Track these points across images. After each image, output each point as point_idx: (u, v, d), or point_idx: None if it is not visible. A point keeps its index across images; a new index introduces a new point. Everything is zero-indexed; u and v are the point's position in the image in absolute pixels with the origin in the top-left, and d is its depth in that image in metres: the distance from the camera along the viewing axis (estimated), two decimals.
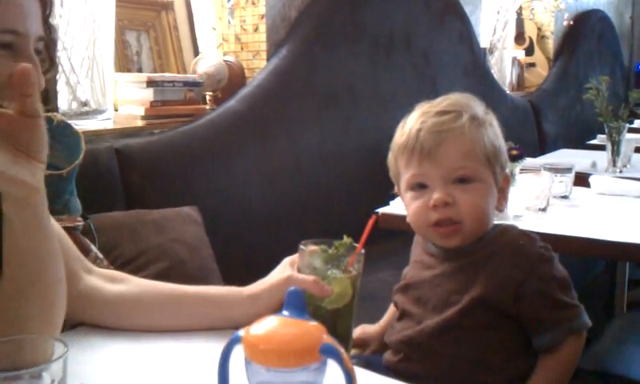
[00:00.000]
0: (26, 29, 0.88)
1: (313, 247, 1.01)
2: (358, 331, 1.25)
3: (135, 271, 1.51)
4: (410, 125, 1.13)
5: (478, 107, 1.14)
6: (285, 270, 1.04)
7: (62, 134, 1.47)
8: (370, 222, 1.04)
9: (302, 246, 1.02)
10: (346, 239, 1.01)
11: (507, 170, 1.17)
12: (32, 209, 0.82)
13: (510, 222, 1.83)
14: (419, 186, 1.11)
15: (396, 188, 1.19)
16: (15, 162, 0.78)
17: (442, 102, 1.14)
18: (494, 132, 1.13)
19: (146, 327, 1.04)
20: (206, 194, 2.02)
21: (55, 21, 0.98)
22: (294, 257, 1.04)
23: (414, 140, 1.10)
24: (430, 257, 1.16)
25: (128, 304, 1.06)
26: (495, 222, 1.14)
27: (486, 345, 1.07)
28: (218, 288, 1.10)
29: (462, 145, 1.08)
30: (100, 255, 1.39)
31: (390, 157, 1.17)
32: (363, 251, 1.00)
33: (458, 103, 1.13)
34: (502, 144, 1.14)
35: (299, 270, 1.02)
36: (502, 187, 1.15)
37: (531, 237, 1.12)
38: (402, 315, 1.16)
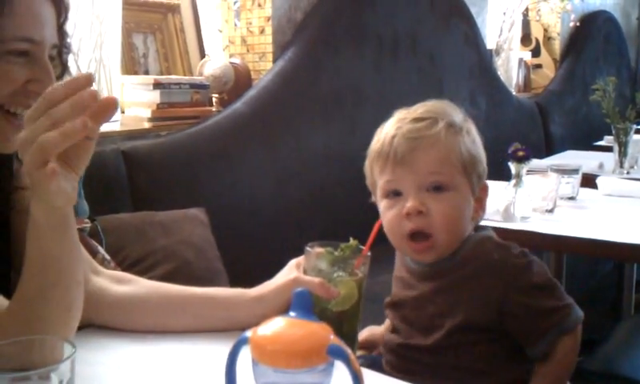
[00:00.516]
0: (41, 37, 0.89)
1: (319, 249, 1.01)
2: (366, 333, 1.25)
3: (142, 272, 1.52)
4: (386, 131, 1.11)
5: (456, 114, 1.12)
6: (291, 272, 1.04)
7: None
8: (376, 226, 1.04)
9: (307, 248, 1.02)
10: (352, 242, 1.01)
11: (486, 182, 1.14)
12: (63, 216, 0.83)
13: (517, 223, 1.83)
14: (394, 194, 1.09)
15: (373, 197, 1.16)
16: (63, 175, 0.78)
17: (419, 108, 1.12)
18: (472, 140, 1.11)
19: (152, 328, 1.05)
20: (213, 196, 2.02)
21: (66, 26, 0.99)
22: (300, 259, 1.05)
23: (389, 146, 1.08)
24: (409, 275, 1.14)
25: (134, 305, 1.06)
26: (471, 233, 1.11)
27: (478, 358, 1.06)
28: (224, 289, 1.10)
29: (436, 152, 1.06)
30: (107, 257, 1.39)
31: (367, 164, 1.15)
32: (369, 254, 1.00)
33: (435, 110, 1.11)
34: (481, 153, 1.12)
35: (305, 272, 1.02)
36: (480, 197, 1.12)
37: (505, 246, 1.09)
38: (394, 329, 1.16)
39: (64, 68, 0.98)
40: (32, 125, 0.76)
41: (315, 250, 1.01)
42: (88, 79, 0.77)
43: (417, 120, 1.09)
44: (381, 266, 1.09)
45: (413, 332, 1.10)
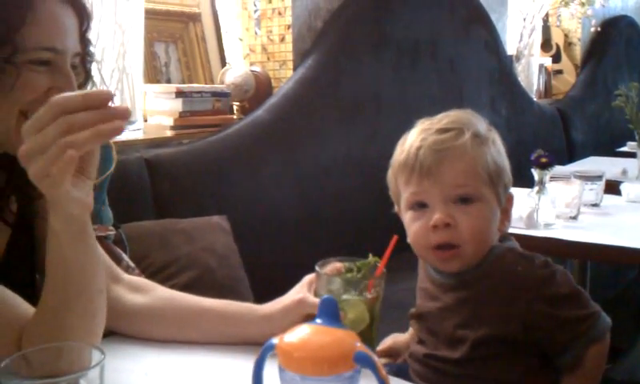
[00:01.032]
0: (64, 46, 0.90)
1: (334, 265, 0.99)
2: (389, 341, 1.24)
3: (165, 280, 1.53)
4: (410, 142, 1.09)
5: (481, 124, 1.10)
6: (301, 290, 1.03)
7: None
8: (392, 243, 1.02)
9: (317, 268, 0.99)
10: (371, 258, 0.99)
11: (511, 192, 1.12)
12: (81, 224, 0.83)
13: (540, 230, 1.82)
14: (419, 205, 1.07)
15: (396, 207, 1.15)
16: (75, 183, 0.79)
17: (443, 118, 1.10)
18: (497, 150, 1.09)
19: (162, 339, 1.06)
20: (235, 203, 2.03)
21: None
22: (313, 276, 1.02)
23: (414, 158, 1.06)
24: (433, 286, 1.13)
25: (148, 317, 1.08)
26: (495, 243, 1.10)
27: (504, 369, 1.05)
28: (235, 304, 1.09)
29: (463, 163, 1.05)
30: (131, 264, 1.40)
31: (390, 174, 1.14)
32: (385, 271, 0.97)
33: (460, 120, 1.09)
34: (506, 163, 1.10)
35: (316, 292, 1.00)
36: (506, 208, 1.10)
37: (528, 258, 1.08)
38: (420, 340, 1.15)
39: (87, 76, 0.99)
40: (37, 134, 0.75)
41: (325, 270, 0.98)
42: (109, 96, 0.78)
43: (442, 131, 1.07)
44: (404, 273, 1.09)
45: (438, 343, 1.10)
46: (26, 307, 0.89)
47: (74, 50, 0.92)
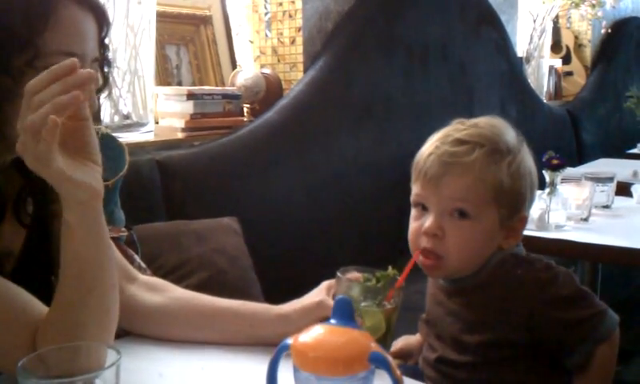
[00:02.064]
0: (82, 51, 0.91)
1: (355, 274, 0.99)
2: (401, 343, 1.25)
3: (177, 281, 1.53)
4: (429, 144, 1.11)
5: (504, 141, 1.07)
6: (319, 294, 1.04)
7: (106, 146, 1.49)
8: (414, 257, 1.04)
9: (338, 274, 1.00)
10: (390, 271, 0.99)
11: (525, 214, 1.11)
12: (93, 214, 0.84)
13: (551, 232, 1.82)
14: (421, 207, 1.10)
15: None
16: (78, 167, 0.80)
17: (470, 128, 1.09)
18: (516, 172, 1.06)
19: (178, 339, 1.07)
20: (245, 205, 2.04)
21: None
22: (332, 281, 1.03)
23: (423, 163, 1.08)
24: (439, 291, 1.14)
25: (164, 317, 1.08)
26: (496, 251, 1.09)
27: (513, 372, 1.05)
28: (250, 305, 1.10)
29: (465, 180, 1.05)
30: (143, 265, 1.41)
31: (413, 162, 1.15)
32: (404, 285, 0.98)
33: (482, 133, 1.07)
34: (524, 184, 1.08)
35: (334, 297, 1.00)
36: (515, 227, 1.09)
37: (529, 261, 1.08)
38: (430, 346, 1.16)
39: (105, 81, 1.00)
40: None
41: (346, 276, 0.99)
42: (72, 65, 0.78)
43: (457, 142, 1.07)
44: (416, 275, 1.09)
45: (446, 348, 1.11)
46: (41, 309, 0.90)
47: (93, 56, 0.93)
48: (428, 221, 1.06)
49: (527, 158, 1.10)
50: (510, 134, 1.10)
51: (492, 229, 1.07)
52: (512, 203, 1.07)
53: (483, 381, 1.06)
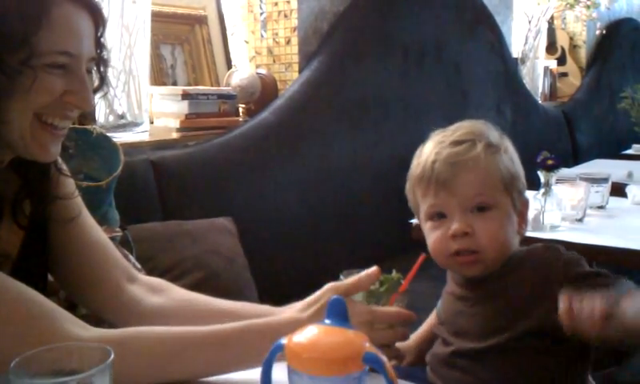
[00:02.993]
0: (79, 51, 0.90)
1: (356, 276, 0.98)
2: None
3: (171, 281, 1.51)
4: (426, 156, 1.12)
5: (492, 134, 1.13)
6: (325, 295, 1.02)
7: (100, 146, 1.49)
8: (419, 261, 1.03)
9: (341, 277, 1.00)
10: (395, 274, 0.99)
11: (526, 196, 1.15)
12: None
13: (546, 233, 1.82)
14: (438, 216, 1.10)
15: (416, 217, 1.19)
16: None
17: (456, 131, 1.13)
18: (510, 157, 1.12)
19: None
20: (240, 205, 2.04)
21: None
22: (337, 284, 1.00)
23: (430, 171, 1.09)
24: (461, 287, 1.15)
25: (164, 317, 1.07)
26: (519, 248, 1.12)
27: (531, 368, 1.05)
28: (252, 306, 1.10)
29: (477, 174, 1.08)
30: (138, 265, 1.41)
31: (408, 187, 1.17)
32: (409, 288, 0.98)
33: (472, 131, 1.12)
34: (519, 169, 1.13)
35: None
36: (521, 211, 1.13)
37: (554, 247, 1.10)
38: (444, 342, 1.15)
39: (102, 81, 1.00)
40: None
41: (350, 279, 0.98)
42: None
43: (456, 143, 1.10)
44: (420, 277, 1.09)
45: (465, 340, 1.11)
46: (49, 302, 0.89)
47: (90, 55, 0.93)
48: (454, 224, 1.07)
49: (511, 145, 1.15)
50: (491, 128, 1.14)
51: (510, 215, 1.10)
52: (517, 187, 1.11)
53: (501, 368, 1.06)
